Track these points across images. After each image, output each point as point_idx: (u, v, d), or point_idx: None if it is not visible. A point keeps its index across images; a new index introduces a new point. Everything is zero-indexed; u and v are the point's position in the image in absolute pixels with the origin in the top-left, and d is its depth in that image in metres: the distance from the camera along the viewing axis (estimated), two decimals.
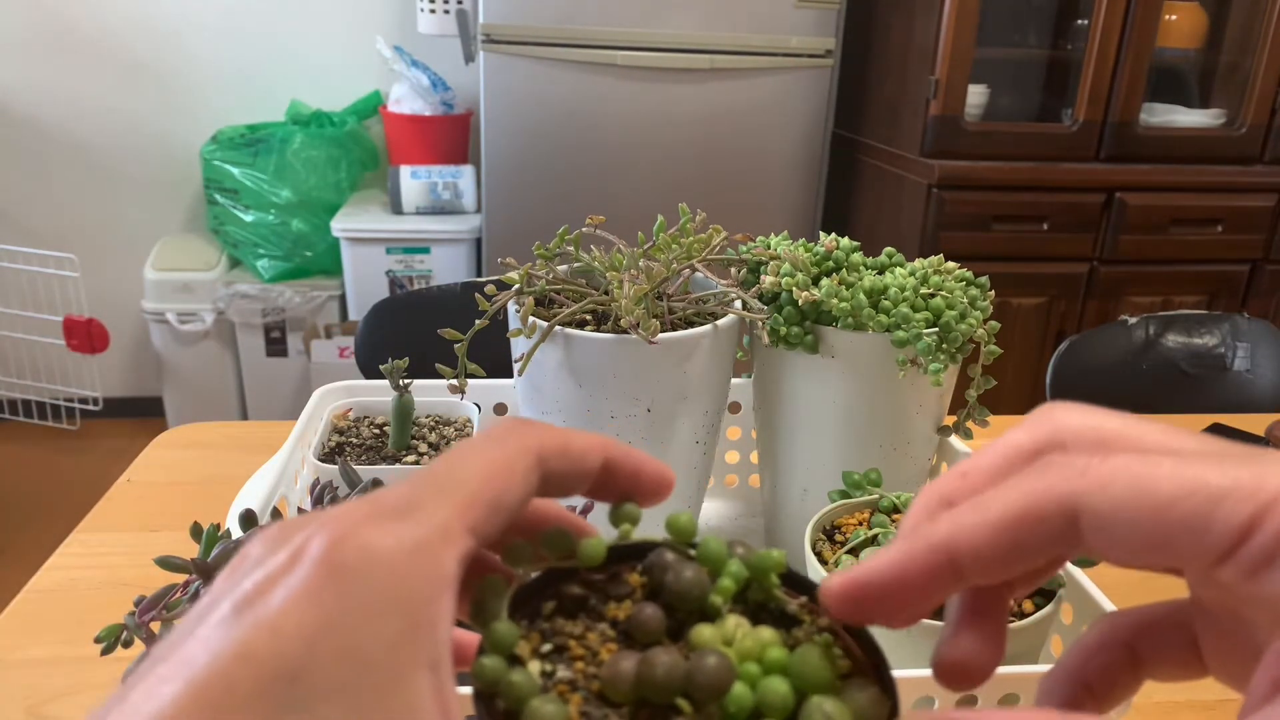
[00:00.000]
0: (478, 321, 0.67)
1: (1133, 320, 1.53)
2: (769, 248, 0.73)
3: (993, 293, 0.72)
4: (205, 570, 0.47)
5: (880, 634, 0.25)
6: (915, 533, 0.23)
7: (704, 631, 0.24)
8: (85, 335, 2.51)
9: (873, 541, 0.60)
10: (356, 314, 2.39)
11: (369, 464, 0.71)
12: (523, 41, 2.05)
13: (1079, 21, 2.23)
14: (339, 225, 2.32)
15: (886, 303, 0.68)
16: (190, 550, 0.50)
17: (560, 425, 0.67)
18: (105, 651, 0.47)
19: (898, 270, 0.72)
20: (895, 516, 0.63)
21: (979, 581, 0.23)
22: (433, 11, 2.33)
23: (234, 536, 0.50)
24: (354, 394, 0.81)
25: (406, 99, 2.43)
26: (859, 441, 0.71)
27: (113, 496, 0.88)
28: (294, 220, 2.41)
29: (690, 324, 0.69)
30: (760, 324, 0.68)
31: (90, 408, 2.64)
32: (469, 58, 2.31)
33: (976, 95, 2.17)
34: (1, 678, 0.65)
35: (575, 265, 0.71)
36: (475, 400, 0.81)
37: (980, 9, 2.00)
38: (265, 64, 2.57)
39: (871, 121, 2.37)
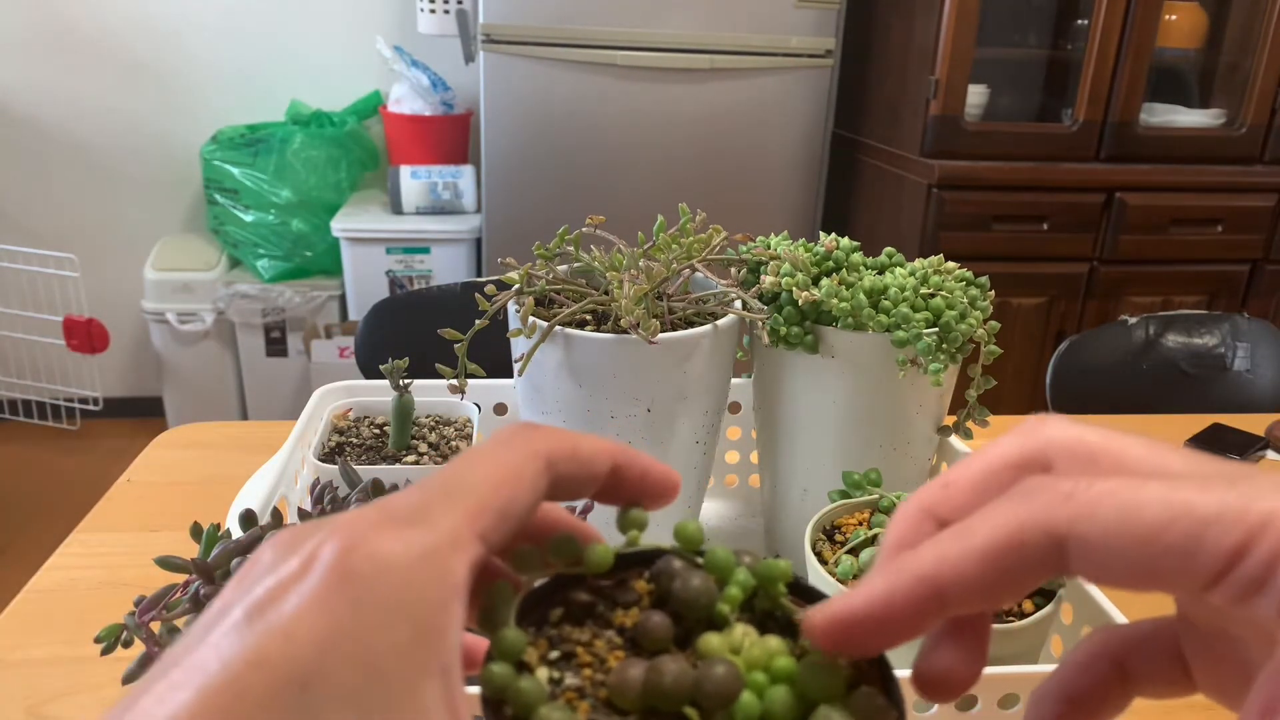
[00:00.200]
0: (478, 321, 0.67)
1: (1133, 320, 1.53)
2: (769, 248, 0.73)
3: (993, 293, 0.72)
4: (205, 570, 0.47)
5: None
6: (898, 563, 0.23)
7: (711, 640, 0.24)
8: (85, 335, 2.51)
9: (872, 541, 0.60)
10: (356, 314, 2.39)
11: (369, 464, 0.71)
12: (523, 41, 2.05)
13: (1079, 21, 2.23)
14: (339, 225, 2.32)
15: (886, 303, 0.68)
16: (190, 550, 0.50)
17: (560, 425, 0.67)
18: (105, 651, 0.47)
19: (898, 270, 0.72)
20: None
21: (965, 610, 0.23)
22: (433, 11, 2.33)
23: (234, 536, 0.50)
24: (354, 394, 0.81)
25: (406, 99, 2.43)
26: (859, 441, 0.71)
27: (113, 496, 0.88)
28: (294, 220, 2.41)
29: (690, 324, 0.69)
30: (760, 324, 0.68)
31: (90, 408, 2.64)
32: (469, 58, 2.31)
33: (976, 95, 2.17)
34: (1, 678, 0.65)
35: (575, 265, 0.71)
36: (475, 400, 0.81)
37: (980, 9, 2.00)
38: (265, 64, 2.57)
39: (871, 121, 2.37)
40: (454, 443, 0.76)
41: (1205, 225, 2.18)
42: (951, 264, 0.73)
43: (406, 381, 0.73)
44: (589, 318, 0.69)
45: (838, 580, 0.57)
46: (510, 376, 0.74)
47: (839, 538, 0.62)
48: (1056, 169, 2.10)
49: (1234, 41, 2.26)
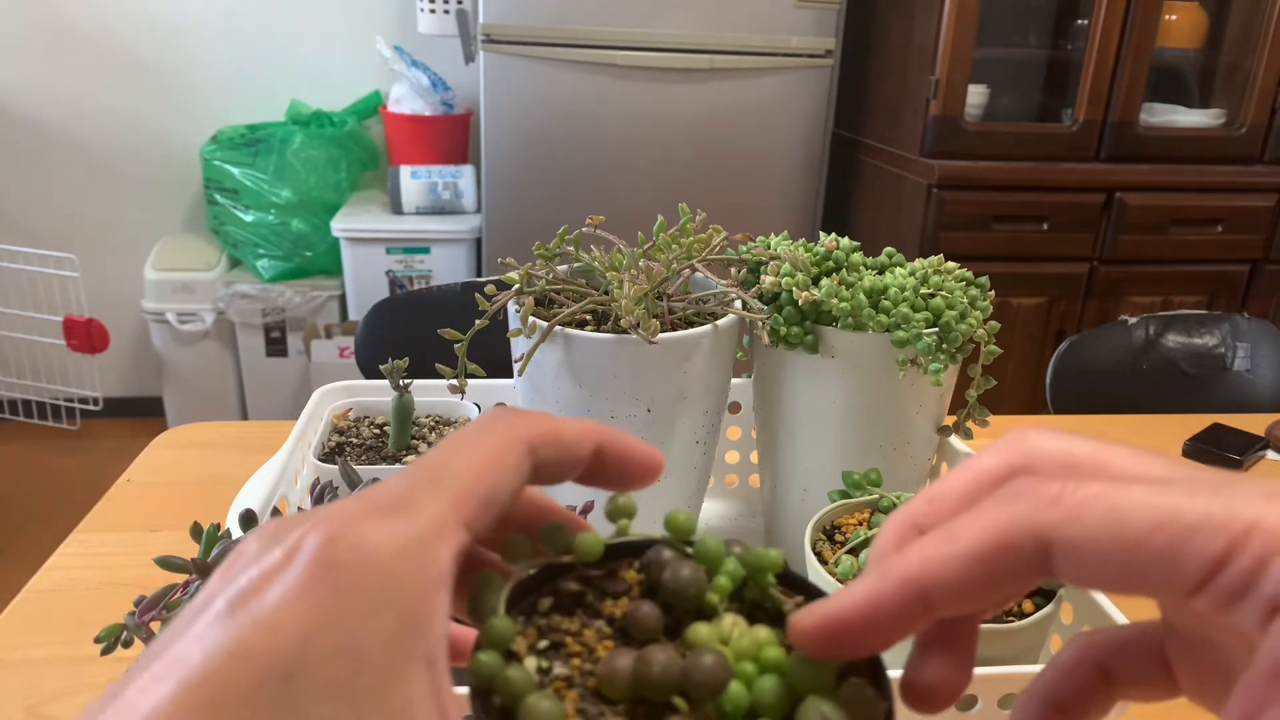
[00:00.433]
0: (478, 321, 0.67)
1: (1133, 320, 1.53)
2: (769, 248, 0.73)
3: (993, 293, 0.72)
4: (205, 570, 0.47)
5: None
6: (885, 566, 0.23)
7: (700, 630, 0.24)
8: (85, 335, 2.51)
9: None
10: (356, 314, 2.39)
11: (369, 464, 0.71)
12: (523, 41, 2.05)
13: (1079, 21, 2.23)
14: (339, 225, 2.32)
15: (886, 303, 0.68)
16: (190, 550, 0.50)
17: None
18: (105, 651, 0.47)
19: (898, 270, 0.72)
20: None
21: (951, 613, 0.23)
22: (433, 11, 2.33)
23: (234, 536, 0.50)
24: (354, 394, 0.81)
25: (406, 99, 2.43)
26: (859, 441, 0.71)
27: (113, 496, 0.88)
28: (294, 220, 2.41)
29: (690, 324, 0.69)
30: (760, 324, 0.68)
31: (90, 408, 2.64)
32: (469, 58, 2.31)
33: (976, 95, 2.17)
34: (1, 678, 0.65)
35: (575, 265, 0.71)
36: (475, 400, 0.81)
37: (980, 9, 2.00)
38: (265, 64, 2.57)
39: (871, 121, 2.37)
40: None
41: (1205, 225, 2.18)
42: (951, 264, 0.73)
43: (406, 381, 0.73)
44: (589, 318, 0.69)
45: (838, 580, 0.57)
46: (510, 376, 0.74)
47: (839, 538, 0.62)
48: (1056, 169, 2.10)
49: (1234, 41, 2.26)
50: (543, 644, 0.24)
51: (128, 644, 0.47)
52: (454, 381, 0.70)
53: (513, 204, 2.17)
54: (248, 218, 2.41)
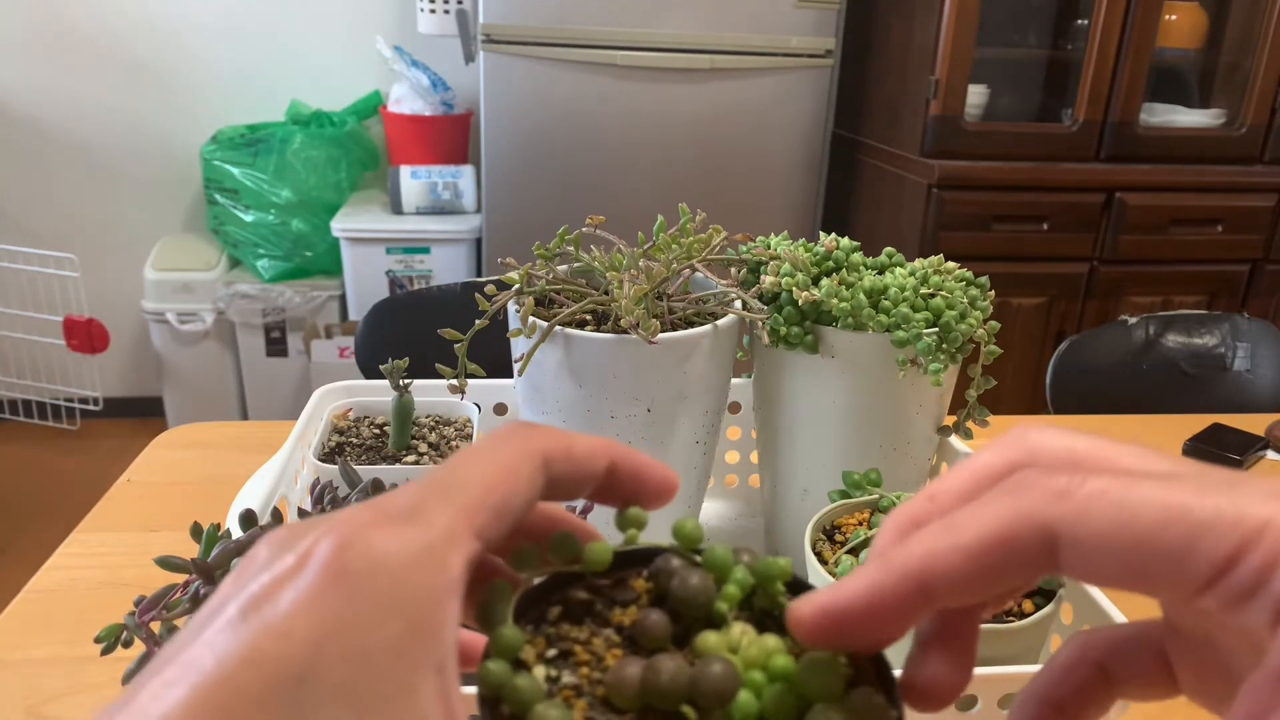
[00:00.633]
0: (478, 321, 0.67)
1: (1133, 320, 1.53)
2: (769, 248, 0.73)
3: (993, 293, 0.72)
4: (205, 570, 0.47)
5: None
6: (886, 557, 0.23)
7: (709, 638, 0.24)
8: (85, 335, 2.51)
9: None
10: (356, 314, 2.39)
11: (369, 464, 0.71)
12: (523, 41, 2.05)
13: (1079, 21, 2.23)
14: (339, 225, 2.32)
15: (886, 303, 0.68)
16: (190, 550, 0.50)
17: (560, 425, 0.67)
18: (105, 651, 0.47)
19: (898, 270, 0.72)
20: None
21: (952, 604, 0.23)
22: (433, 11, 2.33)
23: (234, 536, 0.50)
24: (354, 394, 0.81)
25: (406, 99, 2.43)
26: (859, 441, 0.71)
27: (113, 496, 0.88)
28: (294, 220, 2.41)
29: (690, 324, 0.69)
30: (760, 324, 0.68)
31: (90, 408, 2.64)
32: (469, 58, 2.31)
33: (976, 95, 2.17)
34: (1, 678, 0.65)
35: (575, 265, 0.71)
36: (475, 400, 0.81)
37: (980, 9, 2.00)
38: (265, 64, 2.57)
39: (871, 121, 2.37)
40: (454, 443, 0.76)
41: (1205, 225, 2.18)
42: (951, 264, 0.73)
43: (406, 381, 0.73)
44: (589, 318, 0.69)
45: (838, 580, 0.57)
46: (510, 376, 0.74)
47: (839, 538, 0.62)
48: (1056, 169, 2.10)
49: (1234, 41, 2.26)
50: (551, 653, 0.24)
51: (128, 644, 0.47)
52: (454, 381, 0.70)
53: (513, 204, 2.17)
54: (248, 218, 2.41)
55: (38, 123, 2.53)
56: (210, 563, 0.47)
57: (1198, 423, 1.12)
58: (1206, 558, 0.20)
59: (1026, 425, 0.26)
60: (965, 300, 0.69)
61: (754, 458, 0.85)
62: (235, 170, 2.40)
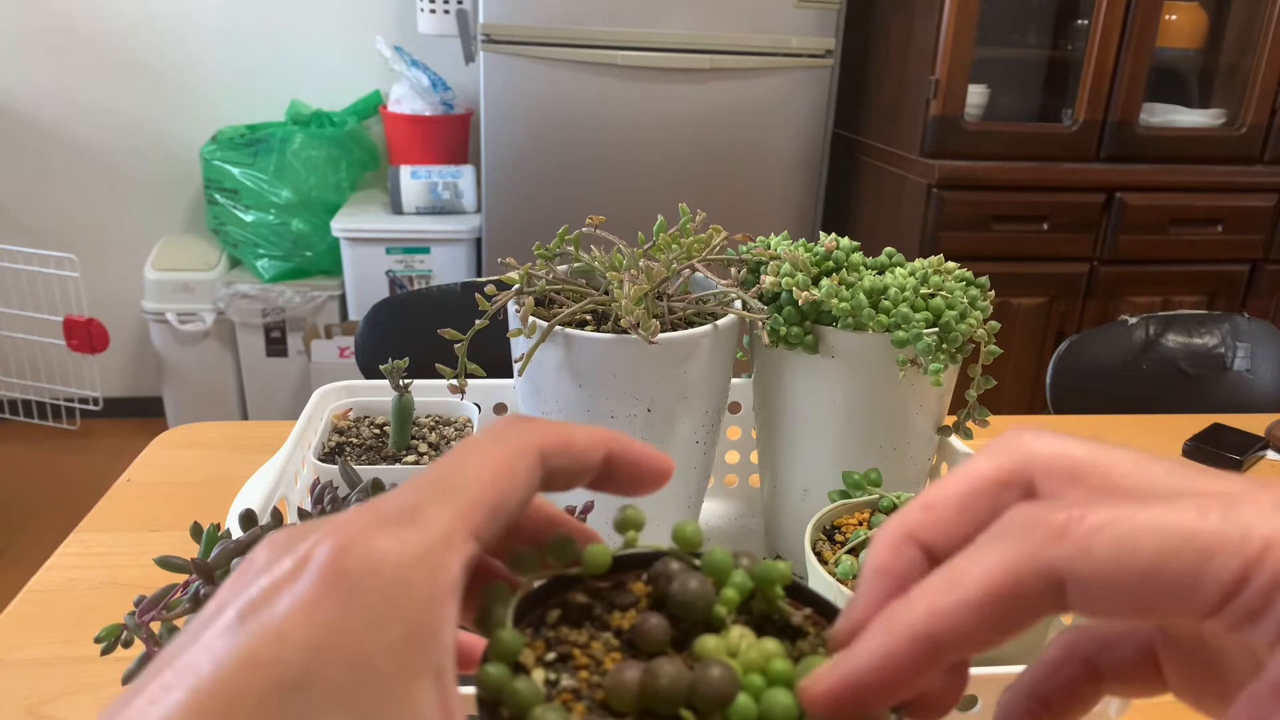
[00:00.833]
0: (478, 321, 0.67)
1: (1133, 320, 1.53)
2: (769, 248, 0.73)
3: (993, 293, 0.72)
4: (205, 570, 0.47)
5: None
6: (891, 618, 0.23)
7: (708, 642, 0.24)
8: (85, 335, 2.51)
9: None
10: (356, 314, 2.39)
11: (369, 464, 0.71)
12: (523, 41, 2.05)
13: (1079, 21, 2.23)
14: (339, 225, 2.32)
15: (886, 303, 0.68)
16: (190, 550, 0.50)
17: None
18: (105, 651, 0.47)
19: (898, 270, 0.72)
20: None
21: (965, 656, 0.22)
22: (433, 11, 2.33)
23: (234, 536, 0.50)
24: (354, 394, 0.81)
25: (406, 99, 2.43)
26: (859, 441, 0.71)
27: (113, 496, 0.88)
28: (294, 220, 2.41)
29: (690, 324, 0.69)
30: (760, 324, 0.68)
31: (90, 408, 2.64)
32: (469, 58, 2.31)
33: (976, 95, 2.17)
34: (1, 678, 0.65)
35: (575, 265, 0.71)
36: (475, 400, 0.81)
37: (980, 9, 2.00)
38: (265, 64, 2.57)
39: (871, 121, 2.37)
40: (454, 443, 0.76)
41: (1205, 225, 2.18)
42: (951, 264, 0.73)
43: (406, 381, 0.73)
44: (589, 318, 0.69)
45: (838, 580, 0.57)
46: (510, 376, 0.74)
47: (839, 538, 0.62)
48: (1056, 169, 2.10)
49: (1234, 41, 2.26)
50: (550, 656, 0.24)
51: (128, 644, 0.47)
52: (454, 381, 0.70)
53: (513, 204, 2.17)
54: (248, 218, 2.41)
55: (38, 123, 2.53)
56: (210, 563, 0.47)
57: (1198, 423, 1.12)
58: (1213, 585, 0.20)
59: (1021, 429, 0.25)
60: (965, 300, 0.69)
61: (754, 458, 0.85)
62: (235, 170, 2.40)
